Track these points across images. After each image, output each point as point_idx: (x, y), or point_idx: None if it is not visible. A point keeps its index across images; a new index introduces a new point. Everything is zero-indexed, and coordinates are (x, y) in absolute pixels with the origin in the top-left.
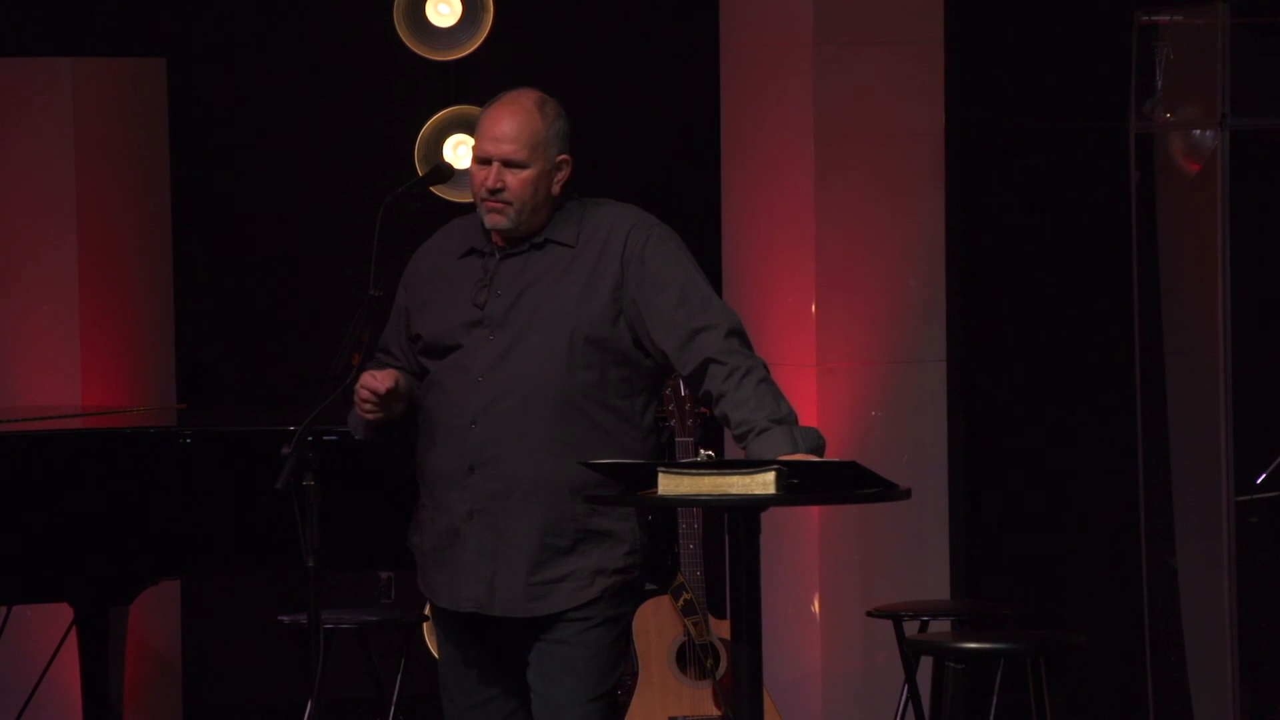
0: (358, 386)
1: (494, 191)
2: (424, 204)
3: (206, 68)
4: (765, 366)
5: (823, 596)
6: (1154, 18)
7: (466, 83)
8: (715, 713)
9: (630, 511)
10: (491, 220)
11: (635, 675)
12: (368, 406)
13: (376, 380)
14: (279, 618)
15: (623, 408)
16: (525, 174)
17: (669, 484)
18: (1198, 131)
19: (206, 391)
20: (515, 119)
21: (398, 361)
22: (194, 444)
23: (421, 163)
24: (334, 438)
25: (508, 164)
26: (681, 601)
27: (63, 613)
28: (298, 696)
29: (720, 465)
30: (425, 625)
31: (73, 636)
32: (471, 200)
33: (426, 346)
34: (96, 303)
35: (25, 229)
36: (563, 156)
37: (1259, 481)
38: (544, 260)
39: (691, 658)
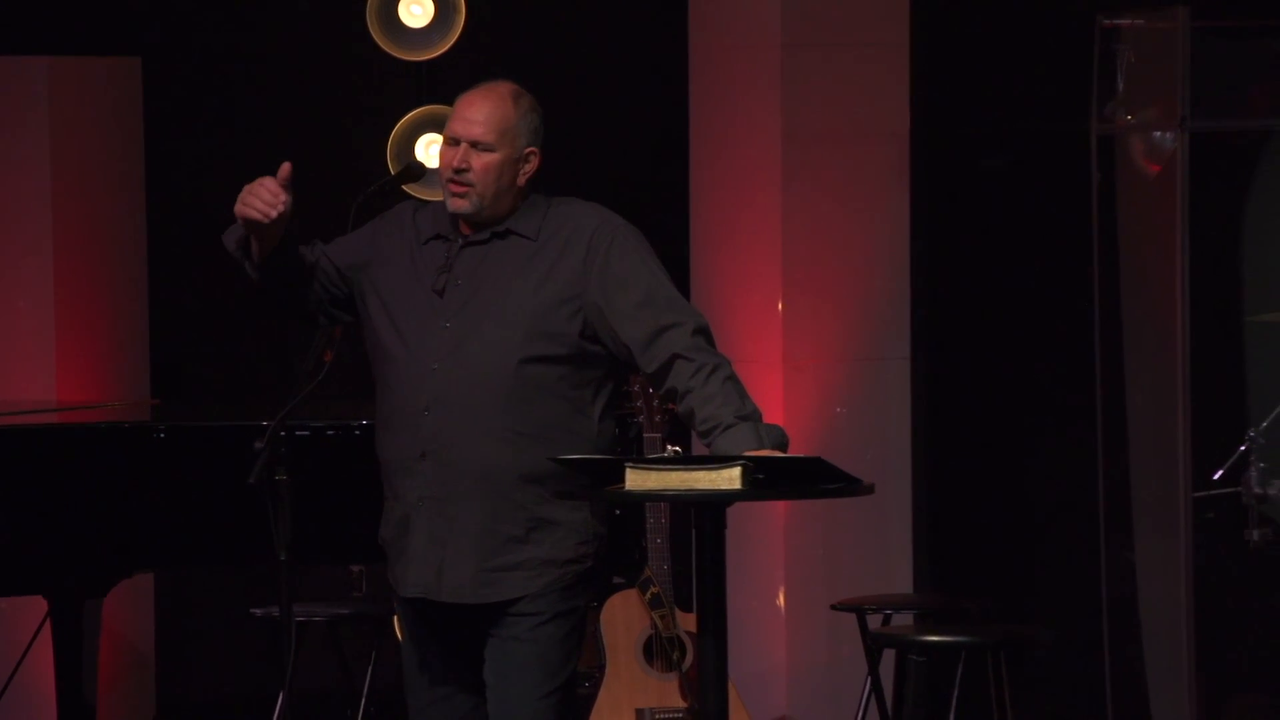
0: (253, 186)
1: (459, 171)
2: (396, 202)
3: (181, 67)
4: (730, 364)
5: (788, 590)
6: (1116, 21)
7: (438, 83)
8: (681, 705)
9: (583, 503)
10: (453, 204)
11: (603, 668)
12: (258, 202)
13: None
14: (251, 610)
15: (575, 398)
16: (490, 158)
17: (636, 479)
18: (1158, 133)
19: (180, 387)
20: (488, 104)
21: (317, 251)
22: (167, 439)
23: (394, 161)
24: (306, 433)
25: (475, 145)
26: (649, 595)
27: (37, 606)
28: (270, 688)
29: (687, 461)
30: (395, 618)
31: (47, 629)
32: (440, 199)
33: (378, 329)
34: (71, 299)
35: (0, 226)
36: (530, 149)
37: (1215, 478)
38: (504, 251)
39: (658, 650)
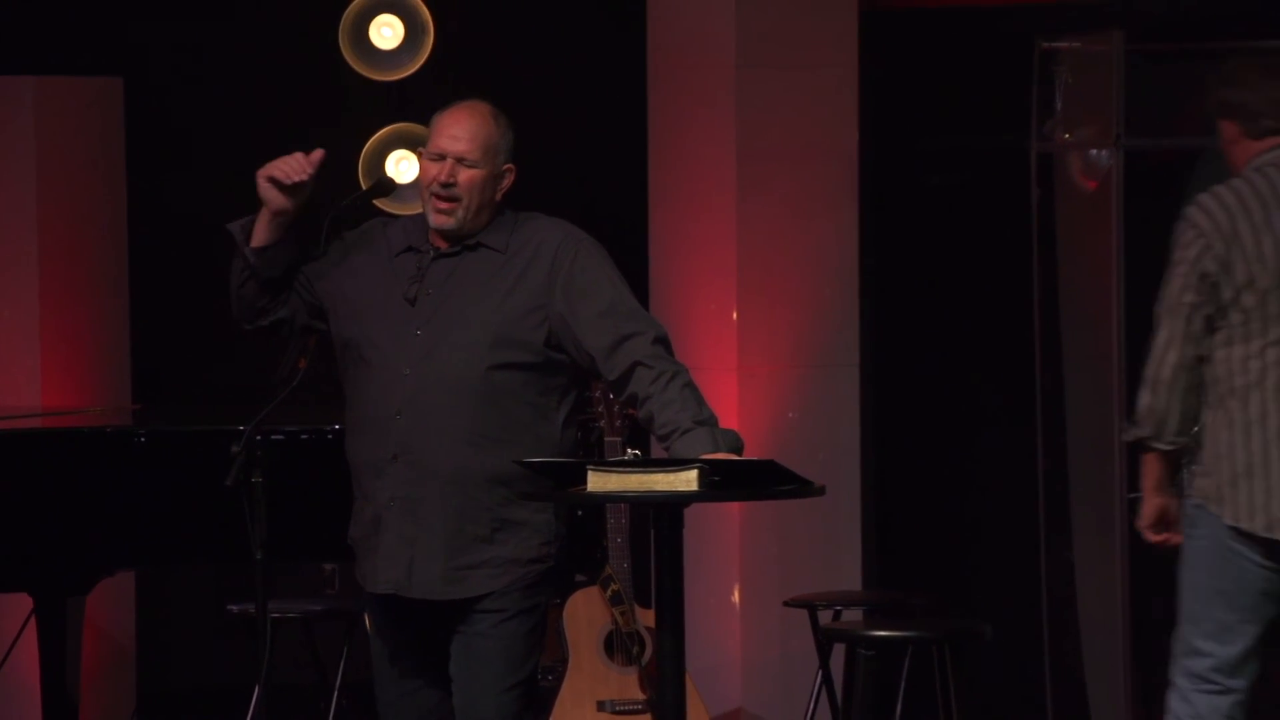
0: (288, 156)
1: (445, 185)
2: (367, 215)
3: (162, 87)
4: (688, 372)
5: (742, 587)
6: (1054, 44)
7: (408, 101)
8: (641, 697)
9: (546, 504)
10: (438, 221)
11: (565, 662)
12: (291, 168)
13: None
14: (228, 607)
15: (540, 403)
16: (475, 173)
17: (598, 481)
18: (1094, 151)
19: (160, 393)
20: (473, 121)
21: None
22: (148, 442)
23: (365, 177)
24: (281, 437)
25: (461, 160)
26: (609, 592)
27: (22, 602)
28: (246, 681)
29: (646, 464)
30: (366, 615)
31: (32, 625)
32: (412, 213)
33: (351, 337)
34: (56, 308)
35: None
36: (508, 166)
37: None
38: (474, 263)
39: (619, 645)
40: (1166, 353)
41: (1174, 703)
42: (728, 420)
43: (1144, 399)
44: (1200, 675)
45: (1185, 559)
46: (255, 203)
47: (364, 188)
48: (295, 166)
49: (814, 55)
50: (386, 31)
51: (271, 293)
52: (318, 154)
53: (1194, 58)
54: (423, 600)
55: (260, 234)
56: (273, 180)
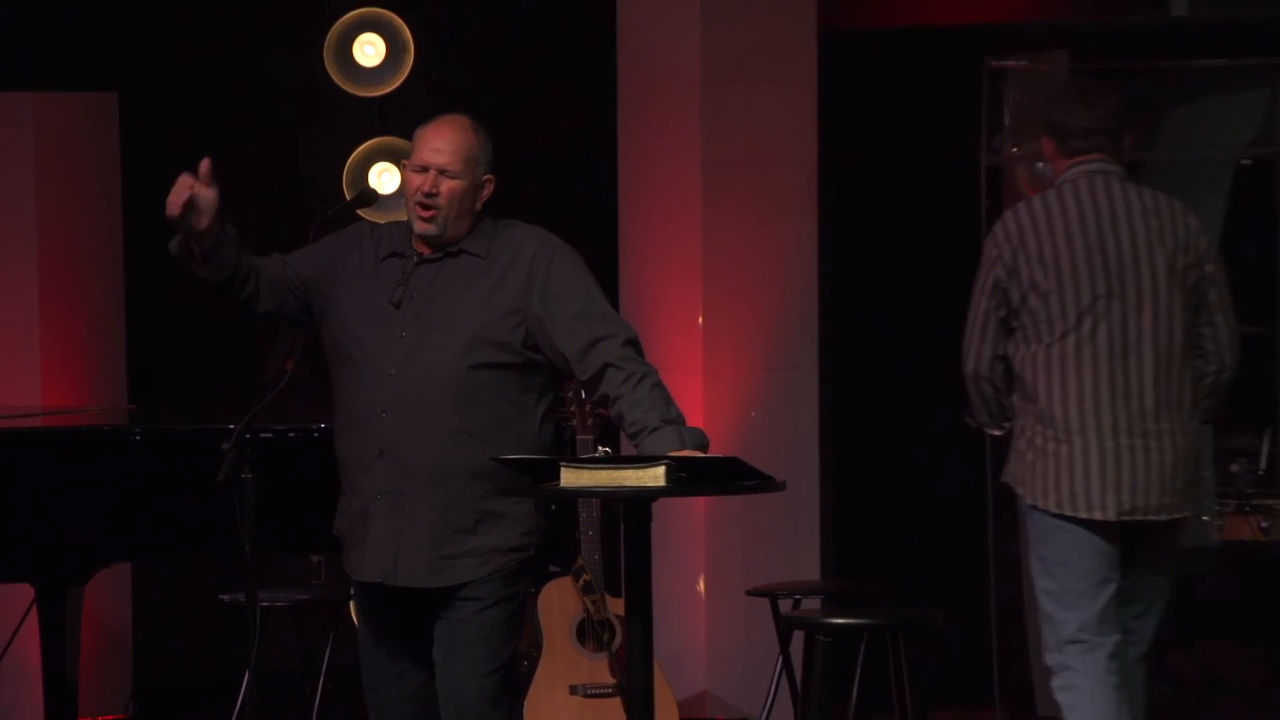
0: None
1: (429, 195)
2: (351, 224)
3: (155, 101)
4: (657, 373)
5: (707, 578)
6: (1002, 63)
7: (390, 117)
8: (611, 681)
9: (527, 497)
10: (421, 228)
11: (540, 648)
12: (173, 193)
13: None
14: (219, 596)
15: (519, 401)
16: (456, 184)
17: (570, 477)
18: (1040, 164)
19: (154, 393)
20: (454, 134)
21: (278, 261)
22: (143, 441)
23: (349, 188)
24: (269, 435)
25: (443, 172)
26: (581, 582)
27: (24, 592)
28: (237, 667)
29: (616, 460)
30: (351, 603)
31: (33, 614)
32: (393, 221)
33: (338, 338)
34: (55, 314)
35: None
36: (487, 176)
37: None
38: (456, 268)
39: (590, 632)
40: (969, 354)
41: (1055, 675)
42: (694, 419)
43: (969, 393)
44: (1070, 639)
45: (1029, 542)
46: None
47: (348, 198)
48: (175, 195)
49: (776, 72)
50: (369, 49)
51: (238, 284)
52: (204, 165)
53: (1133, 76)
54: (408, 588)
55: (195, 246)
56: (171, 216)
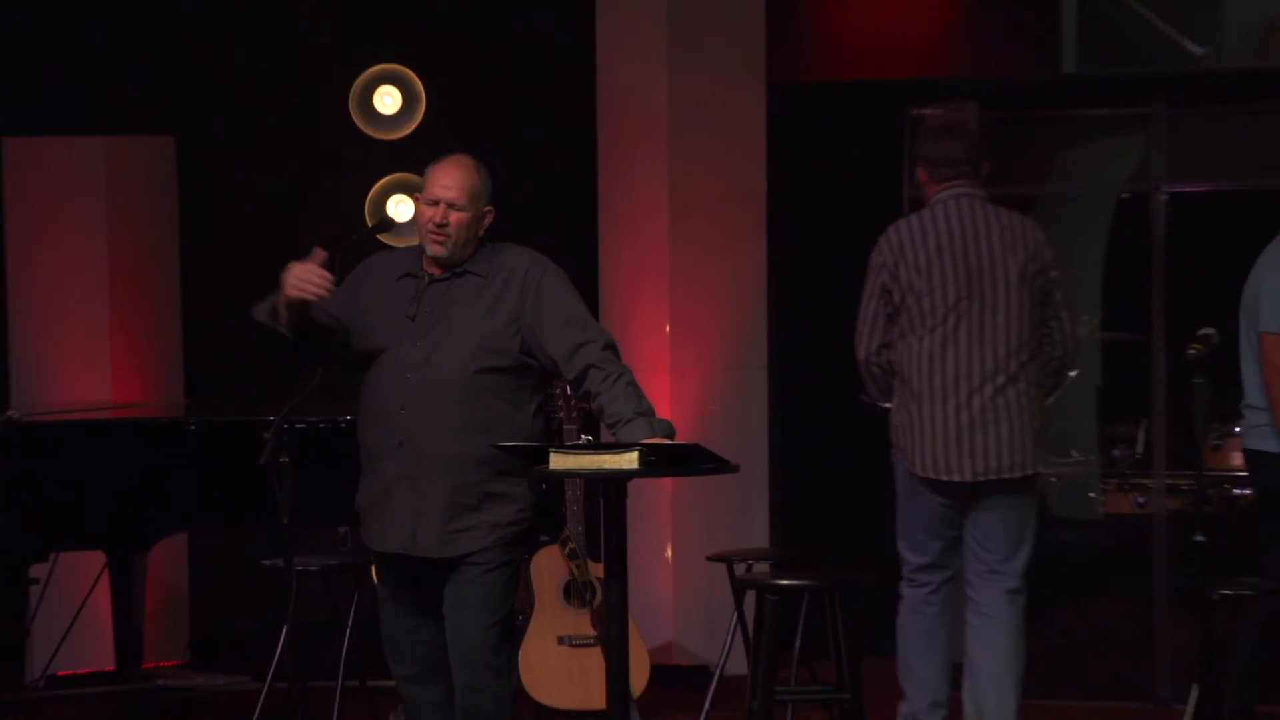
0: (305, 271)
1: (440, 226)
2: (372, 246)
3: (207, 143)
4: (631, 373)
5: (674, 546)
6: (921, 111)
7: (405, 156)
8: (592, 633)
9: (521, 478)
10: (433, 250)
11: (532, 605)
12: (313, 285)
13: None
14: (261, 562)
15: (515, 399)
16: (462, 215)
17: (558, 460)
18: None
19: (207, 390)
20: (460, 173)
21: (321, 312)
22: (196, 431)
23: (370, 216)
24: (303, 425)
25: (451, 205)
26: (568, 549)
27: (98, 558)
28: (276, 622)
29: (596, 447)
30: (373, 567)
31: (106, 576)
32: (407, 245)
33: (365, 347)
34: (122, 324)
35: (68, 271)
36: (488, 208)
37: None
38: (462, 286)
39: (575, 592)
40: (859, 344)
41: (901, 600)
42: (662, 412)
43: (862, 375)
44: (908, 577)
45: (897, 495)
46: (281, 237)
47: (369, 225)
48: (318, 283)
49: (731, 117)
50: (387, 99)
51: (310, 343)
52: (321, 256)
53: (1030, 123)
54: (424, 557)
55: (287, 316)
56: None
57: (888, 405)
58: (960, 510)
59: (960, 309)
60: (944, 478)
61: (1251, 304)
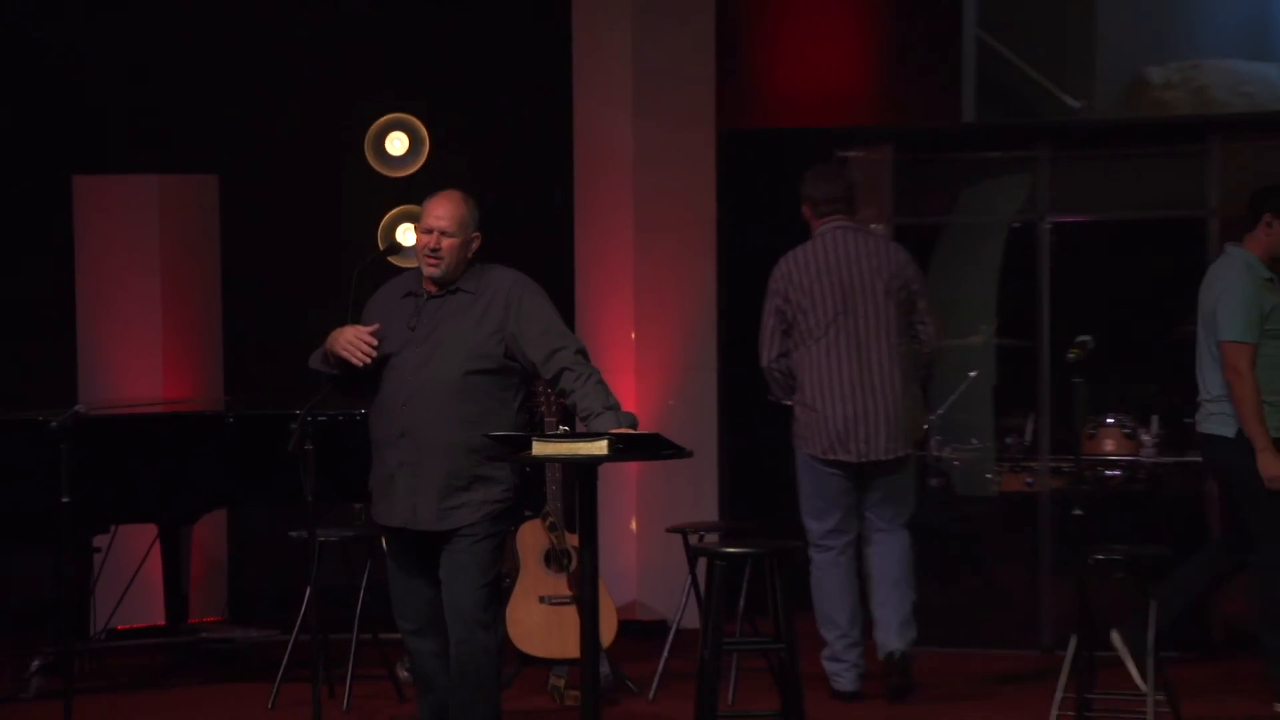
0: (355, 337)
1: (434, 251)
2: (385, 269)
3: (245, 180)
4: (600, 373)
5: (638, 519)
6: (846, 153)
7: (412, 190)
8: (569, 593)
9: (505, 464)
10: (429, 270)
11: (518, 570)
12: (360, 352)
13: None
14: (289, 534)
15: (501, 396)
16: (453, 241)
17: (539, 448)
18: (875, 225)
19: (243, 388)
20: (450, 204)
21: None
22: (235, 422)
23: (382, 241)
24: (324, 418)
25: (443, 233)
26: (548, 522)
27: (150, 530)
28: (301, 584)
29: (572, 436)
30: (382, 538)
31: (157, 546)
32: (413, 266)
33: (378, 355)
34: (172, 331)
35: (128, 288)
36: (475, 233)
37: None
38: (455, 302)
39: (554, 559)
40: (762, 352)
41: (812, 563)
42: (628, 406)
43: (766, 378)
44: (814, 543)
45: (799, 476)
46: (307, 260)
47: (381, 249)
48: (365, 350)
49: (686, 157)
50: (397, 143)
51: (356, 375)
52: (376, 328)
53: (937, 163)
54: (423, 531)
55: (336, 361)
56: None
57: (789, 403)
58: (853, 482)
59: (838, 322)
60: (837, 458)
61: (1210, 315)
